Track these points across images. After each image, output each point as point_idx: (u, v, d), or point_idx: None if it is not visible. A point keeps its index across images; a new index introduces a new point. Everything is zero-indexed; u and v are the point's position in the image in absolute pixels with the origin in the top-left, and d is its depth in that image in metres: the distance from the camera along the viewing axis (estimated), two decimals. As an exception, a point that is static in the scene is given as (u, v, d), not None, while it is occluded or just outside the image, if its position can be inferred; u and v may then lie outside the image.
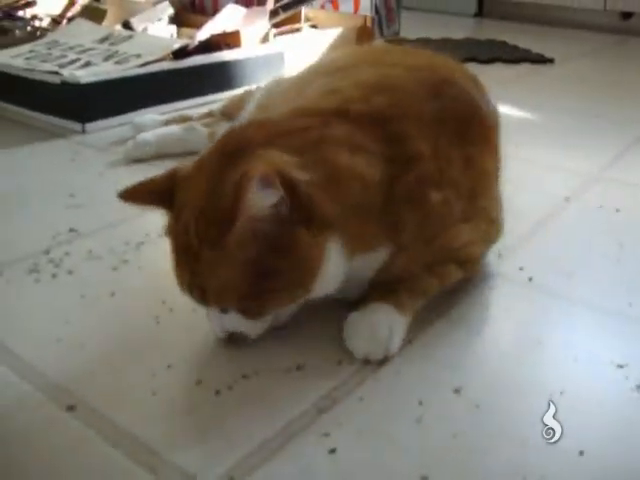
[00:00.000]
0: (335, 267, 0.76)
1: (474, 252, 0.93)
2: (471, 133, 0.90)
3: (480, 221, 0.91)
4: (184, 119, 1.51)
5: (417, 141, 0.82)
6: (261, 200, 0.69)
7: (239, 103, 1.42)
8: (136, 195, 0.80)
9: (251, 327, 0.79)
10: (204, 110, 1.57)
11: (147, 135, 1.42)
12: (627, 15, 3.16)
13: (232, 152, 0.75)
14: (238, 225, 0.68)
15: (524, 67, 2.43)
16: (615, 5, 3.13)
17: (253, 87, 1.52)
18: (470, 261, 0.93)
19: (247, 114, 1.30)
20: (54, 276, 0.99)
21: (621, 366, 0.80)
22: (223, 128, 1.37)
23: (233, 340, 0.81)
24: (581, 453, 0.67)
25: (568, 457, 0.67)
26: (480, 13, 3.65)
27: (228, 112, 1.44)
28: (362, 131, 0.80)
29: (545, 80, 2.28)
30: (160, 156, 1.42)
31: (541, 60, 2.50)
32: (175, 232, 0.77)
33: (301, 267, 0.73)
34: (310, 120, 0.80)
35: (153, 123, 1.50)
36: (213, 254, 0.72)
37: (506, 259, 1.01)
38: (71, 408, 0.73)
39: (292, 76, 1.25)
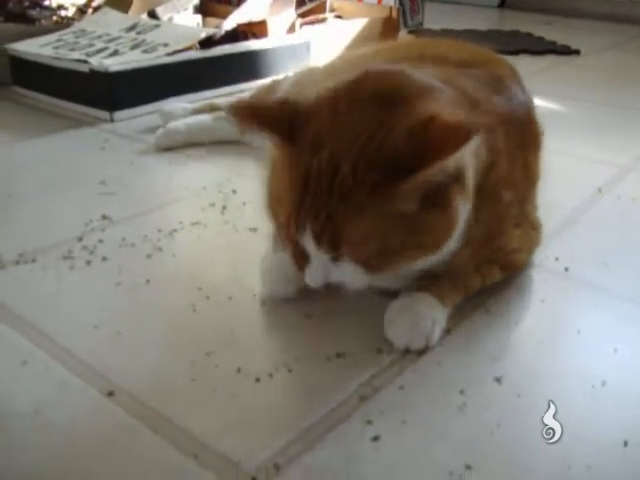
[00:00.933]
0: (456, 236, 0.75)
1: (520, 259, 0.93)
2: (527, 137, 0.90)
3: (527, 228, 0.91)
4: (213, 108, 1.50)
5: (500, 135, 0.81)
6: (468, 150, 0.67)
7: (267, 93, 1.41)
8: (249, 114, 0.73)
9: (358, 280, 0.75)
10: (233, 99, 1.57)
11: (178, 124, 1.42)
12: (653, 6, 3.13)
13: (388, 96, 0.70)
14: (424, 172, 0.65)
15: (550, 59, 2.42)
16: (641, -4, 3.11)
17: (280, 77, 1.51)
18: (514, 267, 0.93)
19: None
20: (88, 263, 0.99)
21: (662, 357, 0.79)
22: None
23: (327, 287, 0.77)
24: (625, 443, 0.67)
25: (612, 447, 0.67)
26: (503, 4, 3.63)
27: (256, 102, 1.44)
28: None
29: (572, 71, 2.26)
30: (189, 144, 1.42)
31: (567, 52, 2.49)
32: (308, 168, 0.69)
33: (444, 225, 0.72)
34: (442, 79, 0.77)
35: (182, 112, 1.50)
36: (372, 199, 0.67)
37: (542, 250, 1.00)
38: (111, 394, 0.73)
39: (323, 67, 1.24)
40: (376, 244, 0.70)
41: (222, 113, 1.45)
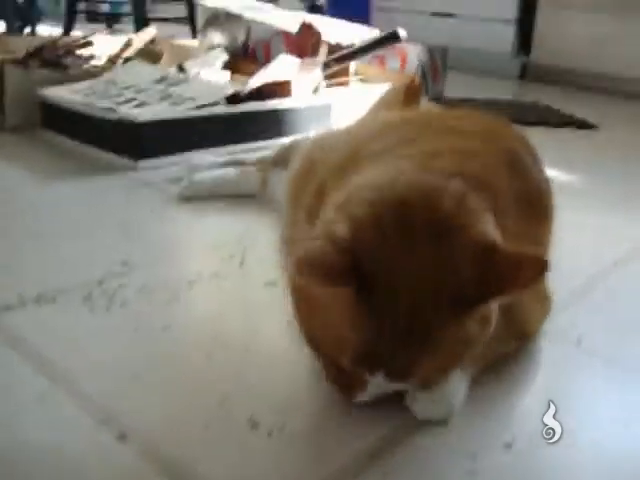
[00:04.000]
0: None
1: (535, 329, 0.95)
2: (537, 214, 0.91)
3: (541, 298, 0.93)
4: (237, 162, 1.53)
5: (509, 216, 0.82)
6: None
7: (287, 152, 1.43)
8: (313, 272, 0.68)
9: (403, 387, 0.76)
10: (255, 155, 1.60)
11: (202, 175, 1.45)
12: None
13: (441, 228, 0.70)
14: (493, 300, 0.69)
15: (568, 132, 2.45)
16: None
17: (300, 137, 1.55)
18: (527, 336, 0.94)
19: (293, 165, 1.32)
20: (108, 306, 1.00)
21: (673, 433, 0.80)
22: (275, 174, 1.41)
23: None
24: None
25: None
26: (523, 76, 3.69)
27: (278, 160, 1.46)
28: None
29: (590, 145, 2.30)
30: (212, 197, 1.45)
31: (585, 125, 2.52)
32: (382, 313, 0.68)
33: (486, 334, 0.73)
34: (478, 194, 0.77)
35: (207, 165, 1.53)
36: (445, 332, 0.68)
37: (555, 319, 1.01)
38: (123, 437, 0.74)
39: (340, 133, 1.26)
40: (440, 366, 0.72)
41: (246, 168, 1.48)
